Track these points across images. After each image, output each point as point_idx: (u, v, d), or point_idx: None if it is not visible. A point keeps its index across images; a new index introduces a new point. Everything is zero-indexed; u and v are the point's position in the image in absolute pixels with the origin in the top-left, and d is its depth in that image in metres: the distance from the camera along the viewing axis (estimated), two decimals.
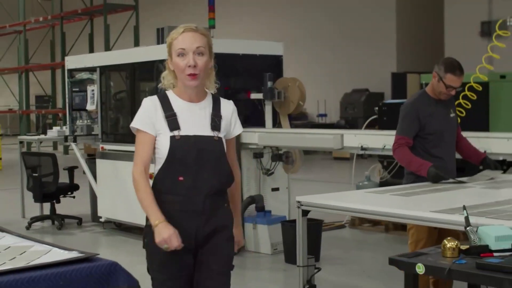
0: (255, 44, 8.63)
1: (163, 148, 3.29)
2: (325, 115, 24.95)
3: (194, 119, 3.32)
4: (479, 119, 7.79)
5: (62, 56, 24.29)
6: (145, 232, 3.38)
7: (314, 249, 7.32)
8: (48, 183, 9.31)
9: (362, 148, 6.49)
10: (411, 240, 4.90)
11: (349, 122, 21.69)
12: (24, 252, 3.76)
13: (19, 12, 26.55)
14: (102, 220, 9.20)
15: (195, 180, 3.25)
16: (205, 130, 3.31)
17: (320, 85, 24.93)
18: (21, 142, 10.70)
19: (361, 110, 21.81)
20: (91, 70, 9.39)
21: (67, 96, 9.92)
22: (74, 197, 9.71)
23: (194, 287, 3.39)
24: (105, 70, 9.21)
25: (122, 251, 8.07)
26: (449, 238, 2.96)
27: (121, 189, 8.45)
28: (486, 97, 7.87)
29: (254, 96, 7.94)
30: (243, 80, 8.29)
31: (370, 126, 9.70)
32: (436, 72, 4.89)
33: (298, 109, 7.88)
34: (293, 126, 24.51)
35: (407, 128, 4.93)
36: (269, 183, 8.10)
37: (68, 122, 9.81)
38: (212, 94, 3.47)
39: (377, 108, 9.30)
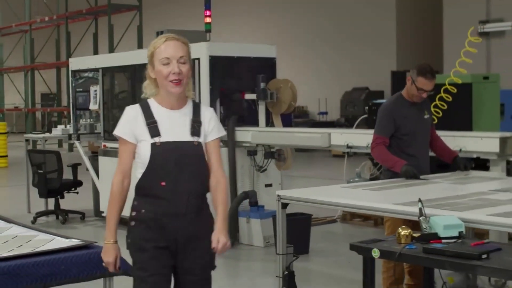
0: (249, 47, 9.02)
1: (145, 154, 3.42)
2: (326, 113, 25.29)
3: (175, 126, 3.44)
4: (463, 118, 8.13)
5: (67, 55, 24.69)
6: (127, 233, 3.52)
7: (303, 241, 7.73)
8: (52, 180, 9.71)
9: (348, 146, 6.88)
10: (387, 232, 5.29)
11: (349, 120, 22.01)
12: (30, 240, 4.19)
13: (25, 11, 26.97)
14: (104, 214, 9.60)
15: (177, 184, 3.38)
16: (185, 135, 3.43)
17: (321, 84, 25.31)
18: (27, 140, 11.12)
19: (361, 108, 22.08)
20: (94, 71, 9.80)
21: (71, 96, 10.34)
22: (77, 192, 10.10)
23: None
24: (107, 72, 9.62)
25: (122, 244, 8.44)
26: (403, 226, 3.36)
27: None
28: (469, 97, 8.22)
29: (248, 96, 8.34)
30: (238, 81, 8.66)
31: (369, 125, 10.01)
32: (410, 76, 5.28)
33: (290, 108, 8.26)
34: (294, 124, 24.81)
35: (384, 129, 5.34)
36: (262, 179, 8.48)
37: (72, 121, 10.22)
38: (192, 101, 3.58)
39: (367, 107, 9.67)
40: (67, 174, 10.01)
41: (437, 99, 6.64)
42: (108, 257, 3.48)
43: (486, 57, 19.96)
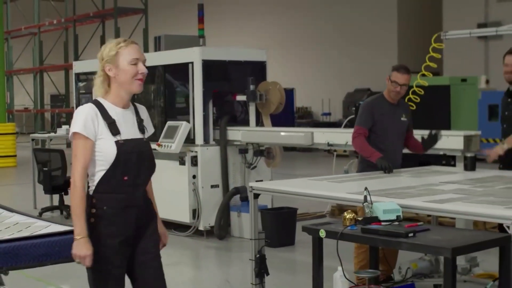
0: (241, 51, 9.52)
1: (108, 152, 3.56)
2: (329, 114, 25.78)
3: (128, 124, 3.65)
4: (441, 119, 8.65)
5: (75, 57, 25.31)
6: (89, 229, 3.62)
7: (289, 233, 8.26)
8: (56, 177, 10.26)
9: (329, 144, 7.40)
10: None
11: (351, 120, 22.42)
12: (29, 226, 4.73)
13: (34, 14, 27.59)
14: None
15: (136, 179, 3.60)
16: (137, 133, 3.67)
17: (324, 85, 25.80)
18: (33, 140, 11.69)
19: None
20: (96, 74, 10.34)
21: (74, 97, 10.90)
22: None
23: (138, 269, 3.73)
24: None
25: None
26: (349, 210, 3.87)
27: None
28: (448, 99, 8.72)
29: (239, 98, 8.86)
30: (230, 83, 9.19)
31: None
32: (388, 76, 5.83)
33: (278, 109, 8.78)
34: (297, 124, 25.18)
35: (364, 121, 5.87)
36: (253, 176, 8.99)
37: None
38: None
39: (354, 108, 10.16)
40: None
41: (406, 100, 7.14)
42: (86, 251, 3.55)
43: (485, 60, 20.48)
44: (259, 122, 8.91)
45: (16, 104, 30.43)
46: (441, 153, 6.47)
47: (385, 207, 3.81)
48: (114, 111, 3.60)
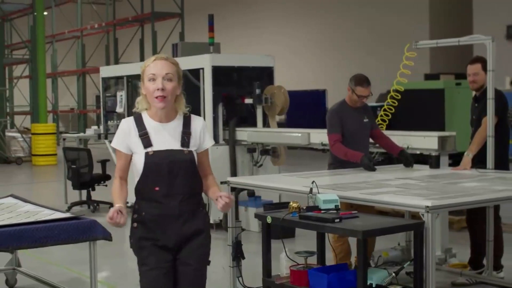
0: (249, 57, 10.26)
1: (139, 163, 3.72)
2: None
3: (165, 137, 3.73)
4: (435, 121, 9.20)
5: (115, 60, 26.31)
6: (130, 233, 3.83)
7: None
8: (84, 174, 11.09)
9: (322, 144, 8.05)
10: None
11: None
12: (37, 213, 5.54)
13: (77, 19, 28.72)
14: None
15: (169, 189, 3.68)
16: (175, 145, 3.74)
17: None
18: (64, 139, 12.59)
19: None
20: (119, 78, 11.19)
21: (101, 100, 11.75)
22: (106, 185, 11.44)
23: (178, 278, 3.80)
24: (130, 79, 11.00)
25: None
26: (294, 201, 4.55)
27: None
28: (442, 102, 9.26)
29: (246, 101, 9.58)
30: (239, 87, 9.90)
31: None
32: (350, 86, 6.43)
33: (282, 111, 9.48)
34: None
35: (335, 128, 6.46)
36: (260, 173, 9.66)
37: (102, 122, 11.64)
38: (184, 114, 3.81)
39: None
40: (98, 169, 11.36)
41: (385, 104, 7.75)
42: (109, 214, 3.60)
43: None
44: (266, 123, 9.60)
45: (62, 105, 31.61)
46: (418, 152, 7.05)
47: (325, 198, 4.47)
48: (150, 125, 3.74)
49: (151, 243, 3.73)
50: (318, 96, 24.56)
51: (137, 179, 3.74)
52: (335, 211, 4.42)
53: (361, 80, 6.37)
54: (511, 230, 7.98)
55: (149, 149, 3.70)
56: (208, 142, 3.85)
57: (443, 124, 9.21)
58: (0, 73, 23.86)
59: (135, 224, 3.77)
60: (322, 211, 4.42)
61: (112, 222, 3.58)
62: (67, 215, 5.40)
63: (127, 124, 3.78)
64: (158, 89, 3.64)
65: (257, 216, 4.55)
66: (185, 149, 3.72)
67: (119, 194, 3.75)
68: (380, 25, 25.49)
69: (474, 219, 6.65)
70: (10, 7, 25.41)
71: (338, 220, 4.16)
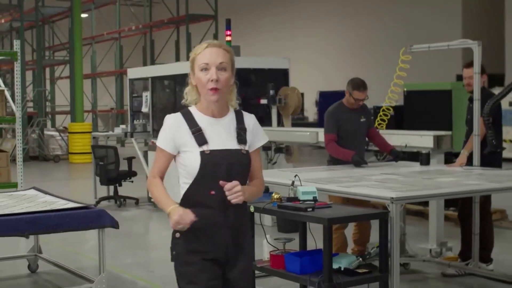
0: (265, 60, 10.76)
1: (193, 163, 3.27)
2: None
3: (220, 134, 3.31)
4: (443, 121, 9.56)
5: (151, 61, 27.01)
6: (172, 245, 3.36)
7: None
8: (111, 170, 11.68)
9: None
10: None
11: None
12: (53, 203, 6.08)
13: (116, 21, 29.52)
14: (152, 200, 11.47)
15: (225, 193, 3.21)
16: (232, 144, 3.31)
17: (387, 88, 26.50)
18: (94, 138, 13.21)
19: None
20: (145, 79, 11.77)
21: (128, 100, 12.34)
22: (132, 181, 12.00)
23: None
24: (155, 80, 11.57)
25: (167, 226, 10.34)
26: (276, 192, 5.01)
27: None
28: (449, 102, 9.61)
29: (262, 101, 10.06)
30: (256, 88, 10.39)
31: None
32: (347, 90, 6.86)
33: (296, 111, 9.94)
34: None
35: (331, 128, 6.89)
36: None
37: (129, 121, 12.23)
38: (234, 109, 3.42)
39: None
40: (124, 166, 11.94)
41: (377, 118, 8.21)
42: (174, 216, 3.19)
43: None
44: (280, 123, 10.07)
45: (101, 105, 32.45)
46: (415, 150, 7.44)
47: (304, 190, 4.92)
48: (202, 120, 3.32)
49: (200, 257, 3.30)
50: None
51: (186, 181, 3.32)
52: (312, 202, 4.86)
53: (358, 85, 6.78)
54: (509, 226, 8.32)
55: (204, 147, 3.26)
56: (262, 139, 3.46)
57: (450, 124, 9.56)
58: (40, 74, 24.73)
59: (177, 234, 3.31)
60: (300, 202, 4.87)
61: (181, 224, 3.17)
62: (78, 204, 5.95)
63: (175, 120, 3.33)
64: (212, 80, 3.23)
65: None
66: (242, 147, 3.30)
67: (166, 195, 3.30)
68: (413, 25, 25.73)
69: (466, 214, 7.03)
70: (50, 10, 26.29)
71: (310, 209, 4.61)
